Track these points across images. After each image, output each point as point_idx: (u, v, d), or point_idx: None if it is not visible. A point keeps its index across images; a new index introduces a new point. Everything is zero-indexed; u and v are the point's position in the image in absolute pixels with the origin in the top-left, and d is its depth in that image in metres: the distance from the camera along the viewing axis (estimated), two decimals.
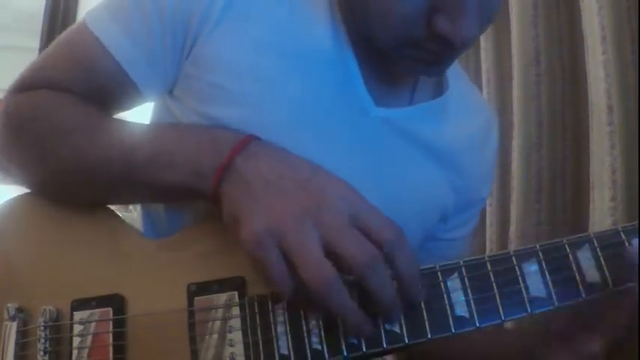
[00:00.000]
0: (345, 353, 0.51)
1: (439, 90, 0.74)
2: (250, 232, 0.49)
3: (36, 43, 2.56)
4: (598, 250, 0.52)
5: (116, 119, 0.63)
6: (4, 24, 3.56)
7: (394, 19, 0.57)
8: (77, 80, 0.63)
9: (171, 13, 0.61)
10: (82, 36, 0.63)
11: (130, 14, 0.62)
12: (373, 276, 0.47)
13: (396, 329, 0.51)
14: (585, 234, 0.53)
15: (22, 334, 0.57)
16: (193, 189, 0.54)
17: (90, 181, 0.59)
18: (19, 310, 0.57)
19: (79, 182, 0.60)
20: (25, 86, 0.64)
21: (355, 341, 0.51)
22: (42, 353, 0.55)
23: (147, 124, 0.60)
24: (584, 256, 0.52)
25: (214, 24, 0.62)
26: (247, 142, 0.53)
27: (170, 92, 0.66)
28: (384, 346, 0.51)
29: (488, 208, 1.37)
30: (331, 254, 0.48)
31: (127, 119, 0.63)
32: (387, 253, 0.48)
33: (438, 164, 0.71)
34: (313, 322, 0.51)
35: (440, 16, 0.54)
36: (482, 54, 1.42)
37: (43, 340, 0.55)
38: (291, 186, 0.50)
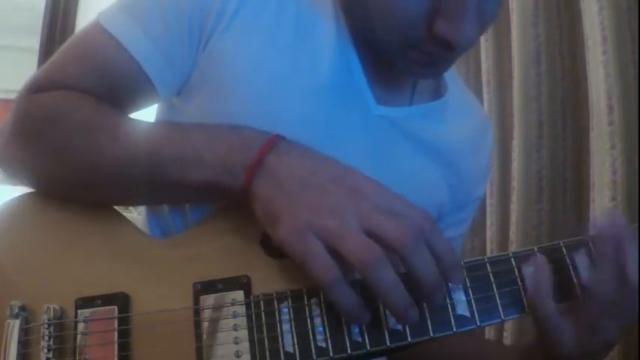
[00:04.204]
0: (350, 351, 0.51)
1: (438, 92, 0.75)
2: (291, 227, 0.49)
3: (36, 43, 2.56)
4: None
5: (136, 119, 0.62)
6: (4, 24, 3.56)
7: (396, 21, 0.58)
8: (92, 81, 0.62)
9: (189, 11, 0.62)
10: (97, 36, 0.63)
11: (146, 12, 0.62)
12: (416, 255, 0.48)
13: (399, 328, 0.51)
14: (582, 236, 0.54)
15: (25, 332, 0.57)
16: (222, 187, 0.54)
17: (112, 180, 0.58)
18: (22, 308, 0.57)
19: (99, 181, 0.59)
20: (38, 88, 0.63)
21: (359, 339, 0.51)
22: (45, 350, 0.55)
23: (169, 123, 0.59)
24: (581, 259, 0.53)
25: (229, 20, 0.63)
26: (276, 140, 0.53)
27: (178, 92, 0.66)
28: (388, 344, 0.51)
29: (488, 209, 1.37)
30: (372, 236, 0.48)
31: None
32: (425, 237, 0.49)
33: (436, 163, 0.72)
34: (318, 320, 0.52)
35: (440, 19, 0.56)
36: (483, 54, 1.42)
37: (46, 338, 0.55)
38: (325, 182, 0.51)
